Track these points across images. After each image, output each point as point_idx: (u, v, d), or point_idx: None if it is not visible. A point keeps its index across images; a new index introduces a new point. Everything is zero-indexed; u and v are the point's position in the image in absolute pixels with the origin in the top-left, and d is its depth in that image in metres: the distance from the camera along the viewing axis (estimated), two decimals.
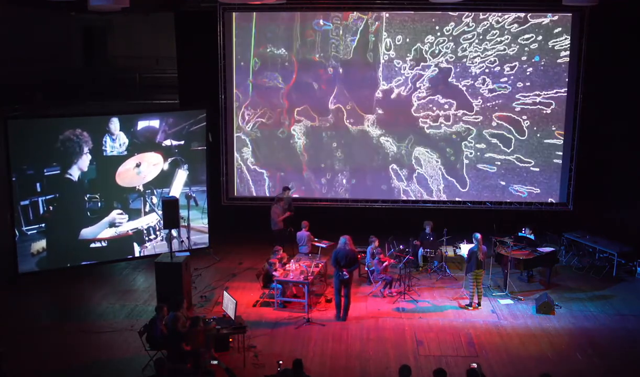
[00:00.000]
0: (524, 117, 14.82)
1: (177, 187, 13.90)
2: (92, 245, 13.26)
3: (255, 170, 15.45)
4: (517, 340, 10.68)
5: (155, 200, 13.63)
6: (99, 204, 13.18)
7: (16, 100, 15.46)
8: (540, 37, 14.48)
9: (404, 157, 15.16)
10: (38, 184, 12.56)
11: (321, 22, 14.79)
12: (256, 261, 13.63)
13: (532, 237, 13.21)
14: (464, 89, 14.80)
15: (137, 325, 10.57)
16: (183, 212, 13.53)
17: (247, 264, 13.83)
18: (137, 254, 13.71)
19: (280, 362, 8.52)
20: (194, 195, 14.02)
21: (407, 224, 14.29)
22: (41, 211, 12.65)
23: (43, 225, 12.70)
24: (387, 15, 14.63)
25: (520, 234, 13.32)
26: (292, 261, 12.41)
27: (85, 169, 12.95)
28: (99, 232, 13.29)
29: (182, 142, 13.83)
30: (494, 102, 14.81)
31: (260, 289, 12.26)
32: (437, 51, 14.70)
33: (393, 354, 10.20)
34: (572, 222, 14.74)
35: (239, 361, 9.80)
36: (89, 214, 13.13)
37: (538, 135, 14.89)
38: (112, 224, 13.36)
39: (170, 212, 11.87)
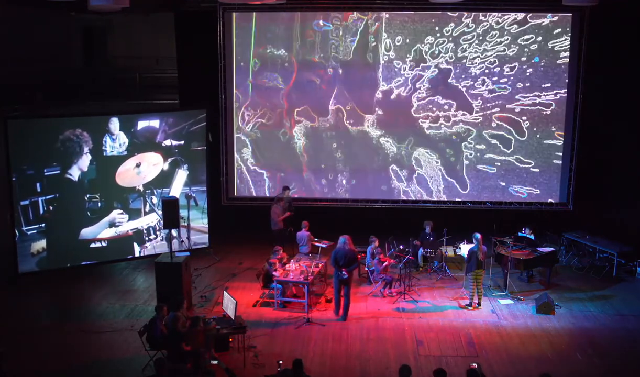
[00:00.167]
0: (524, 117, 14.83)
1: (177, 187, 13.90)
2: (92, 245, 13.26)
3: (255, 171, 15.45)
4: (517, 340, 10.68)
5: (155, 200, 13.63)
6: (99, 204, 13.18)
7: (16, 100, 15.46)
8: (540, 38, 14.49)
9: (403, 158, 15.16)
10: (38, 184, 12.56)
11: (321, 22, 14.80)
12: (256, 261, 13.64)
13: (532, 237, 13.21)
14: (463, 89, 14.80)
15: (137, 325, 10.57)
16: (183, 212, 13.53)
17: (247, 264, 13.83)
18: (137, 254, 13.71)
19: (280, 362, 8.52)
20: (194, 195, 14.02)
21: (407, 224, 14.29)
22: (41, 211, 12.65)
23: (43, 225, 12.70)
24: (387, 15, 14.64)
25: (520, 234, 13.32)
26: (292, 261, 12.41)
27: (85, 169, 12.95)
28: (99, 232, 13.29)
29: (182, 142, 13.83)
30: (493, 103, 14.82)
31: (260, 289, 12.26)
32: (436, 52, 14.71)
33: (393, 354, 10.20)
34: (572, 222, 14.74)
35: (239, 361, 9.80)
36: (89, 214, 13.13)
37: (538, 135, 14.89)
38: (112, 224, 13.36)
39: (170, 212, 11.87)
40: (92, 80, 18.43)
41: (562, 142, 14.86)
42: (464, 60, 14.69)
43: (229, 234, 15.12)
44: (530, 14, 14.40)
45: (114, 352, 10.27)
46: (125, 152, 13.28)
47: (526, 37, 14.50)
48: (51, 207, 12.72)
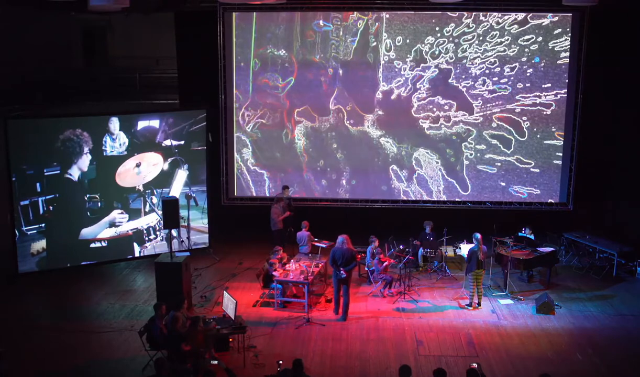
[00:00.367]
0: (524, 118, 14.83)
1: (177, 187, 13.90)
2: (92, 245, 13.27)
3: (255, 171, 15.45)
4: (517, 340, 10.68)
5: (155, 200, 13.64)
6: (99, 204, 13.18)
7: (16, 100, 15.46)
8: (540, 38, 14.49)
9: (404, 158, 15.16)
10: (38, 184, 12.57)
11: (321, 22, 14.80)
12: (256, 261, 13.64)
13: (532, 237, 13.21)
14: (464, 90, 14.80)
15: (137, 325, 10.57)
16: (183, 212, 13.53)
17: (247, 264, 13.82)
18: (137, 254, 13.72)
19: (280, 362, 8.53)
20: (194, 195, 14.03)
21: (407, 224, 14.29)
22: (41, 211, 12.66)
23: (43, 225, 12.71)
24: (387, 16, 14.64)
25: (520, 234, 13.33)
26: (292, 261, 12.41)
27: (85, 169, 12.95)
28: (99, 232, 13.29)
29: (182, 142, 13.83)
30: (494, 103, 14.82)
31: (260, 289, 12.27)
32: (437, 52, 14.71)
33: (393, 354, 10.20)
34: (572, 222, 14.75)
35: (239, 361, 9.80)
36: (89, 214, 13.13)
37: (538, 136, 14.89)
38: (112, 224, 13.37)
39: (170, 212, 11.87)
40: (92, 81, 18.44)
41: (562, 142, 14.86)
42: (464, 61, 14.69)
43: (229, 234, 15.13)
44: (531, 14, 14.41)
45: (114, 352, 10.27)
46: (125, 152, 13.28)
47: (526, 37, 14.50)
48: (51, 207, 12.73)
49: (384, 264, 12.48)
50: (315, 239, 13.16)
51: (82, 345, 10.49)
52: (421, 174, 15.21)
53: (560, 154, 14.91)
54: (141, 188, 13.58)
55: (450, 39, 14.63)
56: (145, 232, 13.73)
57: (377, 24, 14.69)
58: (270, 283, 11.93)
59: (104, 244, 13.36)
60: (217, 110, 14.98)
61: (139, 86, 18.43)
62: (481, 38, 14.58)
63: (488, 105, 14.83)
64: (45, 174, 12.60)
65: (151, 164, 13.59)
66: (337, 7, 14.64)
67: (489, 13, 14.47)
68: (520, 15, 14.44)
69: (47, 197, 12.68)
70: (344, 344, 10.51)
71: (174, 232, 12.98)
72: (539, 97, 14.72)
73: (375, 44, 14.78)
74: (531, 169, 15.02)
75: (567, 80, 14.62)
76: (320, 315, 11.50)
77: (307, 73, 15.00)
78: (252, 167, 15.45)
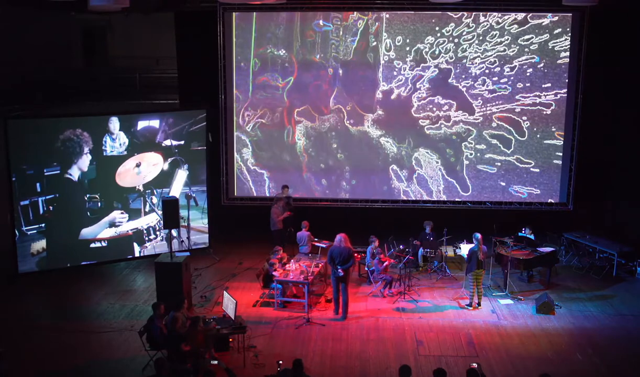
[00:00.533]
0: (524, 117, 14.83)
1: (177, 187, 13.90)
2: (92, 245, 13.27)
3: (255, 171, 15.45)
4: (517, 340, 10.68)
5: (155, 200, 13.64)
6: (99, 204, 13.18)
7: (16, 100, 15.46)
8: (540, 38, 14.48)
9: (404, 158, 15.16)
10: (38, 184, 12.57)
11: (321, 22, 14.80)
12: (256, 261, 13.64)
13: (532, 237, 13.21)
14: (464, 89, 14.80)
15: (137, 325, 10.57)
16: (183, 212, 13.53)
17: (247, 264, 13.82)
18: (137, 254, 13.72)
19: (280, 362, 8.53)
20: (194, 195, 14.03)
21: (407, 224, 14.29)
22: (41, 211, 12.66)
23: (43, 225, 12.71)
24: (387, 15, 14.63)
25: (520, 234, 13.33)
26: (292, 261, 12.41)
27: (85, 169, 12.95)
28: (99, 232, 13.29)
29: (182, 142, 13.83)
30: (494, 103, 14.82)
31: (260, 289, 12.27)
32: (437, 52, 14.71)
33: (393, 354, 10.20)
34: (572, 222, 14.75)
35: (239, 361, 9.80)
36: (89, 214, 13.14)
37: (538, 135, 14.89)
38: (112, 224, 13.37)
39: (170, 212, 11.87)
40: (92, 81, 18.43)
41: (562, 142, 14.86)
42: (464, 61, 14.69)
43: (229, 234, 15.13)
44: (531, 14, 14.41)
45: (114, 352, 10.27)
46: (125, 152, 13.28)
47: (526, 37, 14.50)
48: (51, 207, 12.73)
49: (384, 264, 12.48)
50: (315, 239, 13.16)
51: (82, 345, 10.49)
52: (421, 174, 15.21)
53: (560, 154, 14.91)
54: (141, 188, 13.58)
55: (450, 38, 14.63)
56: (145, 232, 13.73)
57: (377, 24, 14.69)
58: (270, 283, 11.93)
59: (104, 244, 13.36)
60: (217, 110, 14.97)
61: (139, 86, 18.43)
62: (481, 38, 14.58)
63: (488, 105, 14.83)
64: (45, 174, 12.60)
65: (151, 164, 13.59)
66: (337, 7, 14.64)
67: (489, 13, 14.47)
68: (520, 15, 14.44)
69: (47, 197, 12.68)
70: (344, 344, 10.51)
71: (174, 232, 12.98)
72: (539, 97, 14.72)
73: (375, 43, 14.78)
74: (531, 169, 15.02)
75: (567, 80, 14.61)
76: (320, 315, 11.50)
77: (307, 73, 15.00)
78: (252, 167, 15.45)
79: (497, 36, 14.56)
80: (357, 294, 12.40)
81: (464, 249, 12.51)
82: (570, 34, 14.43)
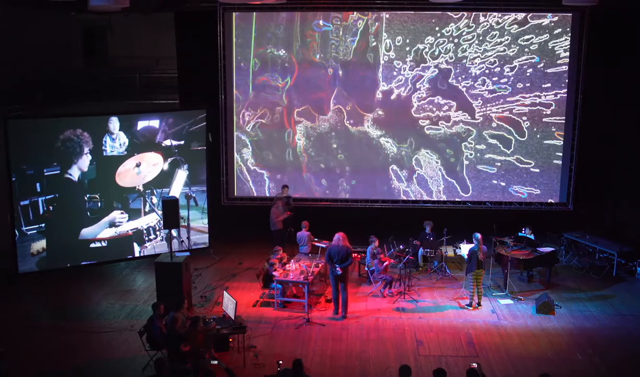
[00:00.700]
0: (524, 118, 14.83)
1: (177, 187, 13.90)
2: (92, 245, 13.27)
3: (255, 171, 15.45)
4: (517, 340, 10.68)
5: (155, 200, 13.64)
6: (99, 204, 13.18)
7: (16, 100, 15.46)
8: (540, 38, 14.48)
9: (404, 158, 15.16)
10: (38, 184, 12.57)
11: (321, 22, 14.80)
12: (256, 261, 13.64)
13: (532, 237, 13.21)
14: (464, 90, 14.80)
15: (137, 325, 10.57)
16: (183, 212, 13.53)
17: (247, 264, 13.82)
18: (137, 254, 13.72)
19: (280, 362, 8.53)
20: (194, 195, 14.03)
21: (407, 224, 14.29)
22: (41, 211, 12.66)
23: (43, 225, 12.71)
24: (387, 16, 14.63)
25: (520, 234, 13.33)
26: (292, 261, 12.41)
27: (85, 169, 12.95)
28: (99, 232, 13.29)
29: (182, 142, 13.83)
30: (494, 103, 14.82)
31: (260, 289, 12.27)
32: (437, 52, 14.71)
33: (393, 354, 10.20)
34: (572, 222, 14.75)
35: (239, 361, 9.80)
36: (89, 214, 13.13)
37: (538, 136, 14.89)
38: (112, 224, 13.37)
39: (170, 212, 11.87)
40: (92, 81, 18.43)
41: (562, 142, 14.86)
42: (464, 61, 14.69)
43: (229, 234, 15.13)
44: (530, 14, 14.41)
45: (114, 352, 10.27)
46: (125, 152, 13.28)
47: (526, 37, 14.51)
48: (51, 207, 12.73)
49: (384, 264, 12.48)
50: (315, 239, 13.16)
51: (82, 345, 10.49)
52: (421, 174, 15.21)
53: (560, 154, 14.91)
54: (141, 188, 13.58)
55: (450, 39, 14.63)
56: (145, 232, 13.73)
57: (377, 24, 14.69)
58: (270, 283, 11.93)
59: (104, 244, 13.36)
60: (217, 110, 14.97)
61: (139, 86, 18.43)
62: (481, 38, 14.58)
63: (488, 105, 14.83)
64: (45, 174, 12.60)
65: (151, 164, 13.59)
66: (337, 7, 14.64)
67: (488, 13, 14.47)
68: (520, 15, 14.44)
69: (47, 197, 12.68)
70: (344, 344, 10.51)
71: (174, 232, 12.98)
72: (539, 97, 14.72)
73: (375, 44, 14.78)
74: (531, 169, 15.02)
75: (567, 80, 14.62)
76: (320, 315, 11.50)
77: (307, 73, 15.00)
78: (252, 167, 15.45)
79: (497, 36, 14.56)
80: (357, 294, 12.40)
81: (464, 249, 12.51)
82: (570, 34, 14.43)
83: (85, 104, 16.66)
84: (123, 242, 13.51)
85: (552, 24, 14.44)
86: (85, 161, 12.91)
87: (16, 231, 12.46)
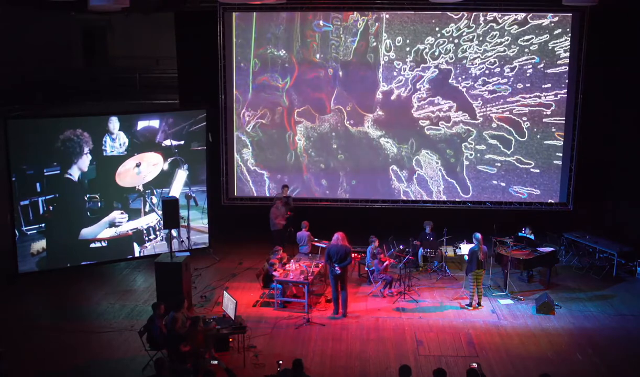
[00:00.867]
0: (524, 118, 14.83)
1: (177, 187, 13.90)
2: (92, 245, 13.27)
3: (255, 171, 15.45)
4: (517, 340, 10.68)
5: (155, 200, 13.64)
6: (99, 204, 13.18)
7: (16, 100, 15.46)
8: (540, 38, 14.49)
9: (404, 159, 15.16)
10: (38, 184, 12.57)
11: (321, 23, 14.80)
12: (256, 261, 13.64)
13: (532, 237, 13.21)
14: (464, 90, 14.80)
15: (137, 325, 10.57)
16: (183, 212, 13.53)
17: (247, 264, 13.82)
18: (137, 254, 13.72)
19: (280, 362, 8.53)
20: (193, 195, 14.03)
21: (407, 224, 14.29)
22: (41, 211, 12.65)
23: (43, 225, 12.71)
24: (387, 16, 14.64)
25: (520, 234, 13.32)
26: (292, 261, 12.41)
27: (85, 169, 12.95)
28: (99, 232, 13.29)
29: (182, 142, 13.83)
30: (494, 104, 14.82)
31: (260, 289, 12.27)
32: (437, 52, 14.71)
33: (393, 354, 10.20)
34: (572, 222, 14.75)
35: (239, 361, 9.80)
36: (89, 214, 13.13)
37: (538, 136, 14.89)
38: (112, 224, 13.37)
39: (170, 212, 11.87)
40: (92, 81, 18.43)
41: (562, 143, 14.86)
42: (464, 61, 14.69)
43: (229, 234, 15.13)
44: (531, 14, 14.41)
45: (114, 352, 10.27)
46: (125, 152, 13.28)
47: (526, 37, 14.51)
48: (51, 207, 12.73)
49: (384, 264, 12.48)
50: (315, 239, 13.16)
51: (82, 345, 10.49)
52: (421, 174, 15.21)
53: (560, 154, 14.91)
54: (141, 188, 13.58)
55: (450, 39, 14.63)
56: (145, 232, 13.73)
57: (377, 24, 14.70)
58: (270, 283, 11.93)
59: (104, 244, 13.36)
60: (217, 110, 14.98)
61: (139, 86, 18.43)
62: (481, 38, 14.58)
63: (488, 105, 14.83)
64: (45, 174, 12.60)
65: (151, 164, 13.59)
66: (337, 7, 14.64)
67: (489, 13, 14.47)
68: (520, 16, 14.44)
69: (47, 197, 12.68)
70: (344, 344, 10.51)
71: (174, 232, 12.98)
72: (539, 97, 14.72)
73: (375, 44, 14.78)
74: (531, 169, 15.02)
75: (567, 81, 14.62)
76: (320, 315, 11.50)
77: (307, 73, 15.00)
78: (252, 167, 15.45)
79: (497, 36, 14.56)
80: (357, 294, 12.40)
81: (464, 249, 12.51)
82: (570, 34, 14.44)
83: (85, 104, 16.66)
84: (123, 242, 13.51)
85: (552, 24, 14.45)
86: (85, 161, 12.91)
87: (16, 231, 12.46)
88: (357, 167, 15.31)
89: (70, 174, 12.84)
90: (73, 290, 12.69)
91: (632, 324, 11.31)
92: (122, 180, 13.34)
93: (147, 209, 13.64)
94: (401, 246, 13.17)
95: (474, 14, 14.46)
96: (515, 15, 14.44)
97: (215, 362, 9.39)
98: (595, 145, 14.78)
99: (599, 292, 12.56)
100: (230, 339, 10.21)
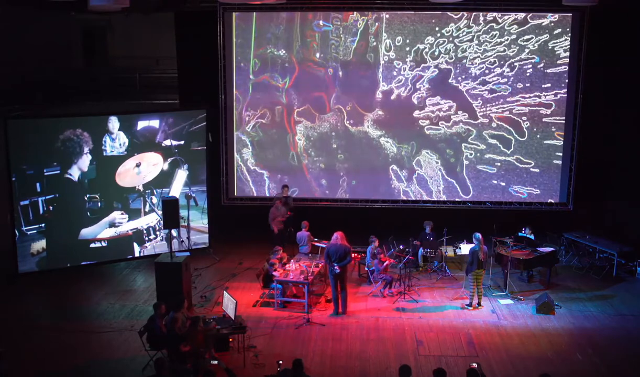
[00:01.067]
0: (524, 118, 14.83)
1: (177, 187, 13.90)
2: (92, 245, 13.27)
3: (255, 171, 15.45)
4: (517, 340, 10.68)
5: (155, 200, 13.63)
6: (99, 204, 13.18)
7: (16, 100, 15.46)
8: (540, 38, 14.49)
9: (404, 158, 15.16)
10: (38, 184, 12.57)
11: (321, 23, 14.80)
12: (256, 261, 13.64)
13: (532, 237, 13.21)
14: (464, 90, 14.80)
15: (137, 325, 10.57)
16: (183, 212, 13.53)
17: (247, 264, 13.82)
18: (137, 254, 13.72)
19: (280, 362, 8.53)
20: (193, 195, 14.03)
21: (407, 224, 14.29)
22: (41, 211, 12.65)
23: (43, 225, 12.70)
24: (387, 16, 14.64)
25: (520, 234, 13.32)
26: (292, 261, 12.41)
27: (85, 169, 12.95)
28: (99, 232, 13.29)
29: (182, 142, 13.83)
30: (493, 103, 14.82)
31: (260, 289, 12.27)
32: (437, 52, 14.71)
33: (393, 354, 10.20)
34: (572, 222, 14.75)
35: (239, 361, 9.80)
36: (89, 214, 13.13)
37: (538, 136, 14.89)
38: (112, 224, 13.37)
39: (170, 212, 11.87)
40: (92, 81, 18.43)
41: (562, 142, 14.86)
42: (464, 61, 14.69)
43: (229, 234, 15.12)
44: (530, 14, 14.41)
45: (114, 352, 10.27)
46: (125, 152, 13.28)
47: (526, 37, 14.51)
48: (51, 207, 12.73)
49: (384, 264, 12.48)
50: (315, 239, 13.16)
51: (82, 345, 10.49)
52: (421, 174, 15.21)
53: (560, 154, 14.91)
54: (141, 188, 13.58)
55: (450, 39, 14.63)
56: (145, 232, 13.73)
57: (377, 24, 14.69)
58: (270, 283, 11.93)
59: (104, 244, 13.36)
60: (217, 110, 14.98)
61: (139, 86, 18.43)
62: (481, 38, 14.58)
63: (488, 105, 14.83)
64: (45, 174, 12.60)
65: (151, 164, 13.59)
66: (337, 7, 14.64)
67: (488, 13, 14.47)
68: (520, 15, 14.44)
69: (47, 197, 12.68)
70: (344, 344, 10.51)
71: (174, 232, 12.98)
72: (539, 97, 14.72)
73: (375, 44, 14.78)
74: (531, 169, 15.02)
75: (567, 80, 14.62)
76: (320, 315, 11.50)
77: (307, 73, 15.00)
78: (252, 167, 15.45)
79: (497, 36, 14.56)
80: (357, 294, 12.40)
81: (464, 249, 12.50)
82: (570, 34, 14.44)
83: (85, 104, 16.66)
84: (123, 242, 13.51)
85: (552, 24, 14.45)
86: (85, 161, 12.91)
87: (16, 231, 12.46)
88: (357, 167, 15.31)
89: (70, 174, 12.84)
90: (73, 290, 12.69)
91: (632, 324, 11.31)
92: (122, 181, 13.34)
93: (147, 209, 13.64)
94: (401, 246, 13.17)
95: (474, 13, 14.46)
96: (515, 15, 14.44)
97: (215, 362, 9.39)
98: (595, 145, 14.78)
99: (599, 292, 12.56)
100: (230, 339, 10.21)
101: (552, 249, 13.24)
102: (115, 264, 13.77)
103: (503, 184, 15.13)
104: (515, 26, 14.50)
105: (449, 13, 14.52)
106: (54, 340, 10.65)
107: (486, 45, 14.61)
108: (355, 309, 11.69)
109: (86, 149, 12.89)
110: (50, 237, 12.79)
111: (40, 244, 12.74)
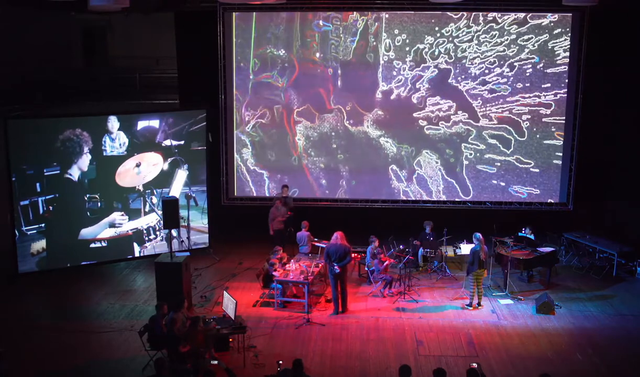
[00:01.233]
0: (524, 117, 14.83)
1: (177, 187, 13.90)
2: (92, 245, 13.27)
3: (255, 171, 15.45)
4: (517, 340, 10.68)
5: (155, 200, 13.64)
6: (99, 204, 13.18)
7: (16, 100, 15.46)
8: (539, 38, 14.49)
9: (403, 158, 15.16)
10: (38, 184, 12.57)
11: (321, 22, 14.80)
12: (256, 261, 13.64)
13: (532, 237, 13.21)
14: (463, 90, 14.80)
15: (137, 325, 10.57)
16: (183, 212, 13.53)
17: (247, 264, 13.82)
18: (137, 254, 13.72)
19: (280, 362, 8.53)
20: (193, 195, 14.03)
21: (407, 224, 14.29)
22: (41, 211, 12.66)
23: (43, 225, 12.71)
24: (387, 16, 14.64)
25: (520, 234, 13.32)
26: (292, 261, 12.41)
27: (85, 169, 12.95)
28: (99, 232, 13.29)
29: (182, 142, 13.83)
30: (493, 103, 14.82)
31: (260, 289, 12.27)
32: (436, 52, 14.71)
33: (393, 354, 10.20)
34: (572, 222, 14.75)
35: (239, 361, 9.81)
36: (88, 214, 13.14)
37: (538, 136, 14.89)
38: (112, 224, 13.37)
39: (170, 212, 11.87)
40: (92, 81, 18.43)
41: (562, 142, 14.86)
42: (464, 61, 14.69)
43: (229, 234, 15.12)
44: (530, 14, 14.41)
45: (114, 352, 10.27)
46: (125, 152, 13.28)
47: (526, 37, 14.51)
48: (51, 207, 12.73)
49: (384, 264, 12.48)
50: (315, 239, 13.16)
51: (82, 345, 10.49)
52: (421, 174, 15.21)
53: (560, 154, 14.92)
54: (141, 188, 13.58)
55: (450, 39, 14.63)
56: (145, 232, 13.73)
57: (376, 24, 14.69)
58: (270, 283, 11.93)
59: (104, 244, 13.36)
60: (217, 110, 14.98)
61: (139, 86, 18.43)
62: (481, 38, 14.58)
63: (488, 105, 14.83)
64: (45, 174, 12.60)
65: (151, 164, 13.59)
66: (337, 7, 14.64)
67: (488, 13, 14.47)
68: (520, 15, 14.44)
69: (47, 197, 12.68)
70: (344, 344, 10.51)
71: (174, 232, 12.98)
72: (539, 97, 14.72)
73: (374, 44, 14.78)
74: (531, 169, 15.02)
75: (567, 80, 14.62)
76: (320, 315, 11.50)
77: (307, 73, 14.99)
78: (252, 167, 15.45)
79: (497, 36, 14.56)
80: (357, 294, 12.40)
81: (464, 249, 12.49)
82: (570, 34, 14.44)
83: (85, 104, 16.66)
84: (123, 242, 13.51)
85: (552, 24, 14.45)
86: (85, 161, 12.92)
87: (16, 231, 12.47)
88: (357, 167, 15.31)
89: (70, 174, 12.84)
90: (73, 290, 12.69)
91: (632, 324, 11.32)
92: (122, 181, 13.34)
93: (147, 209, 13.64)
94: (401, 246, 13.17)
95: (474, 13, 14.46)
96: (515, 15, 14.44)
97: (215, 362, 9.39)
98: (595, 145, 14.78)
99: (599, 292, 12.56)
100: (230, 339, 10.22)
101: (552, 249, 13.24)
102: (115, 264, 13.77)
103: (503, 184, 15.13)
104: (515, 26, 14.50)
105: (448, 13, 14.52)
106: (54, 340, 10.65)
107: (486, 45, 14.61)
108: (355, 309, 11.69)
109: (86, 149, 12.89)
110: (50, 237, 12.80)
111: (40, 244, 12.74)
